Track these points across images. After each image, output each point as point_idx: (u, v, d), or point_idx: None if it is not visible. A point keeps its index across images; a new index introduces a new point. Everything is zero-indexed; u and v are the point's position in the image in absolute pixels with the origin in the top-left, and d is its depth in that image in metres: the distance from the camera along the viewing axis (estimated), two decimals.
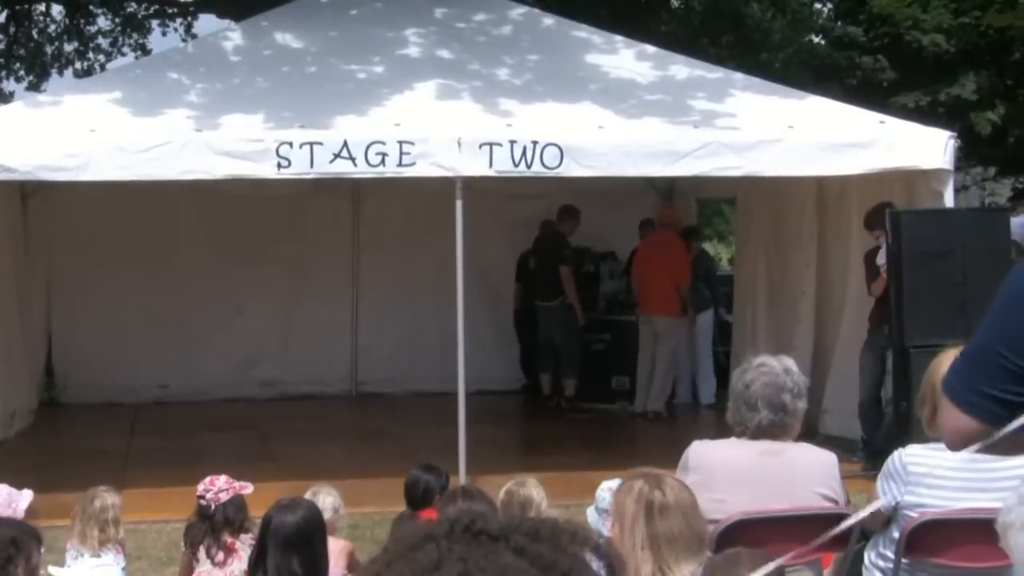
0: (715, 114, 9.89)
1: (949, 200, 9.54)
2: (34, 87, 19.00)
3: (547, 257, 12.64)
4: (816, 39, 19.46)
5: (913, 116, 13.35)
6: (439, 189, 9.58)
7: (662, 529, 3.61)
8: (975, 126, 17.78)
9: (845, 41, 18.83)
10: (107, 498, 5.75)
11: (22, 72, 19.54)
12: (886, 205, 9.93)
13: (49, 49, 19.89)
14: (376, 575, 1.32)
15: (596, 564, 1.39)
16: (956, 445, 2.49)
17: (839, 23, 19.05)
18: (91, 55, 20.07)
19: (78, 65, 19.75)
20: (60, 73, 19.83)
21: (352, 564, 5.58)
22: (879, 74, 18.37)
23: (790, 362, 4.55)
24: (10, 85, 19.66)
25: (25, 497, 5.39)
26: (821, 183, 10.96)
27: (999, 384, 2.40)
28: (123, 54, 20.16)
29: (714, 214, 23.94)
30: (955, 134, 9.76)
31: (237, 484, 5.53)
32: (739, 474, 4.35)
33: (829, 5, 20.57)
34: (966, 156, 19.59)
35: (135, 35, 20.29)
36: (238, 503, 5.47)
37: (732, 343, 12.60)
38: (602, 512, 5.33)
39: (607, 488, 5.43)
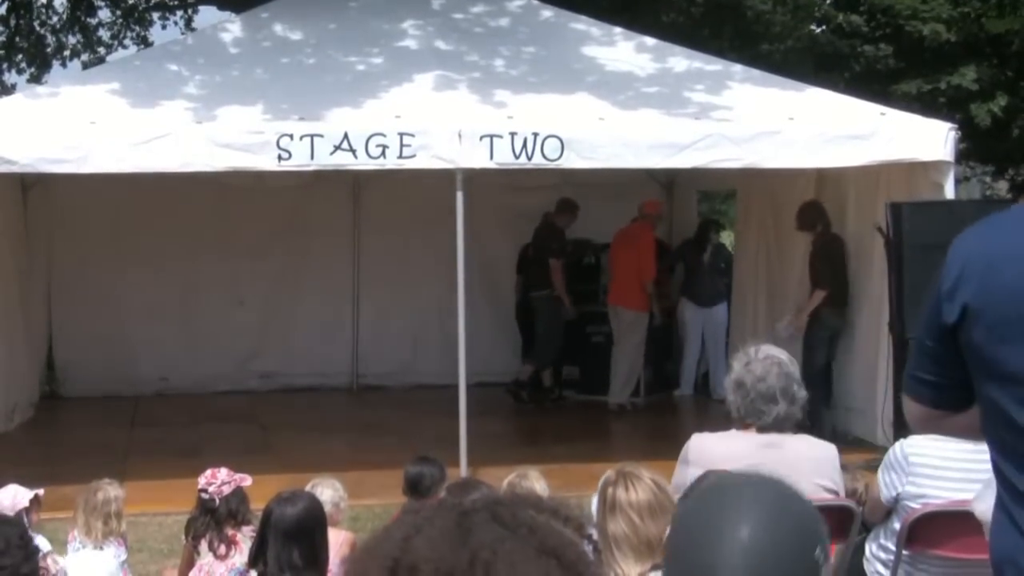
0: (715, 106, 9.89)
1: (950, 192, 9.54)
2: (36, 79, 18.95)
3: (540, 249, 12.67)
4: (817, 29, 19.40)
5: (915, 104, 13.36)
6: (440, 181, 9.58)
7: (611, 527, 3.65)
8: (975, 118, 17.75)
9: (847, 30, 18.80)
10: (110, 491, 5.76)
11: (23, 64, 19.50)
12: (814, 204, 10.73)
13: (51, 41, 19.84)
14: (363, 545, 1.42)
15: (586, 545, 1.43)
16: (915, 428, 2.71)
17: (841, 15, 19.01)
18: (94, 47, 20.02)
19: (84, 57, 19.69)
20: (64, 65, 19.80)
21: None
22: (882, 61, 18.35)
23: (785, 352, 4.56)
24: (12, 77, 19.64)
25: (28, 494, 5.43)
26: (820, 175, 10.95)
27: (923, 367, 2.55)
28: (125, 47, 20.15)
29: (717, 205, 23.95)
30: (955, 126, 9.76)
31: (237, 476, 5.54)
32: (740, 467, 4.33)
33: None
34: (966, 150, 19.57)
35: (136, 27, 20.26)
36: (240, 496, 5.48)
37: (730, 334, 12.62)
38: None
39: None
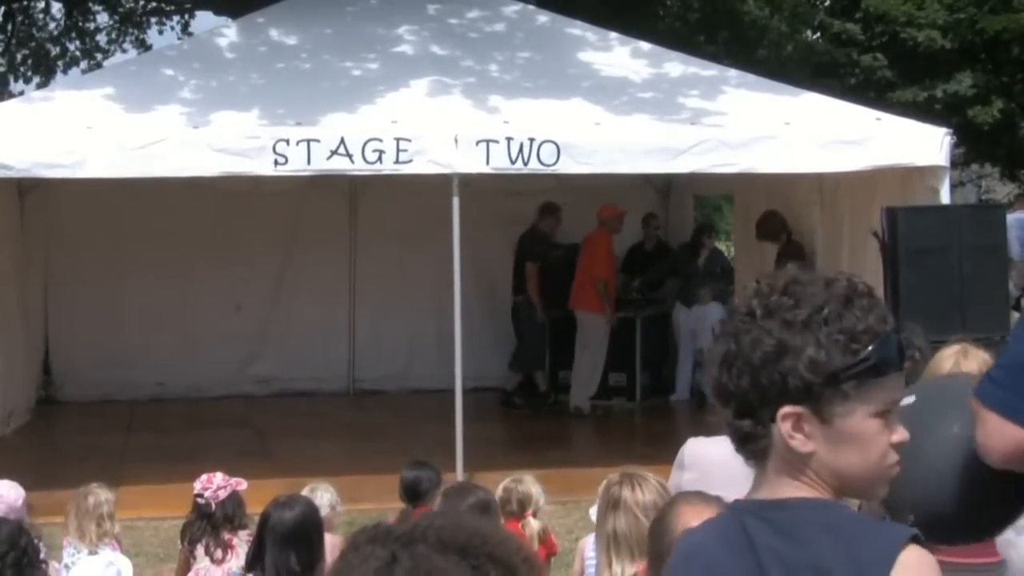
0: (711, 111, 9.90)
1: (945, 197, 9.55)
2: (42, 87, 18.89)
3: (519, 254, 12.68)
4: (814, 36, 19.39)
5: (911, 111, 13.38)
6: (436, 186, 9.58)
7: (612, 524, 3.65)
8: (975, 118, 17.77)
9: (843, 38, 18.81)
10: (100, 494, 5.77)
11: (29, 73, 19.46)
12: (773, 214, 11.20)
13: (52, 48, 19.82)
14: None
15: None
16: (1013, 462, 2.33)
17: (837, 22, 19.01)
18: (92, 52, 20.02)
19: (84, 65, 19.68)
20: (65, 71, 19.78)
21: None
22: (878, 72, 18.37)
23: None
24: (18, 87, 19.58)
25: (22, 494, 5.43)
26: (821, 180, 10.97)
27: None
28: (124, 51, 20.13)
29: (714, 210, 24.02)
30: (951, 131, 9.77)
31: (232, 480, 5.54)
32: (735, 471, 4.31)
33: (826, 2, 20.55)
34: (965, 153, 19.58)
35: (134, 31, 20.24)
36: (236, 500, 5.48)
37: None
38: None
39: None
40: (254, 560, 4.61)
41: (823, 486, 1.89)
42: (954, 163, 10.15)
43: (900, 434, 1.89)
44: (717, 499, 3.15)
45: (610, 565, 3.60)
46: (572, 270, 12.92)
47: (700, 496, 3.23)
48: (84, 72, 19.24)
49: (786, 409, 1.84)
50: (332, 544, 5.16)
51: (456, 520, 1.51)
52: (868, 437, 1.86)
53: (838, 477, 1.88)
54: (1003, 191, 24.51)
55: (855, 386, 1.83)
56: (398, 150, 8.94)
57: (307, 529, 4.59)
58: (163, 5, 19.99)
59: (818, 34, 19.46)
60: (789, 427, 1.84)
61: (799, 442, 1.85)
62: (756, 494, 1.94)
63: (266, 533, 4.55)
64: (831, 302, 1.84)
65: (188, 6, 19.57)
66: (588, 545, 5.40)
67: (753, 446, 1.91)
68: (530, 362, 12.85)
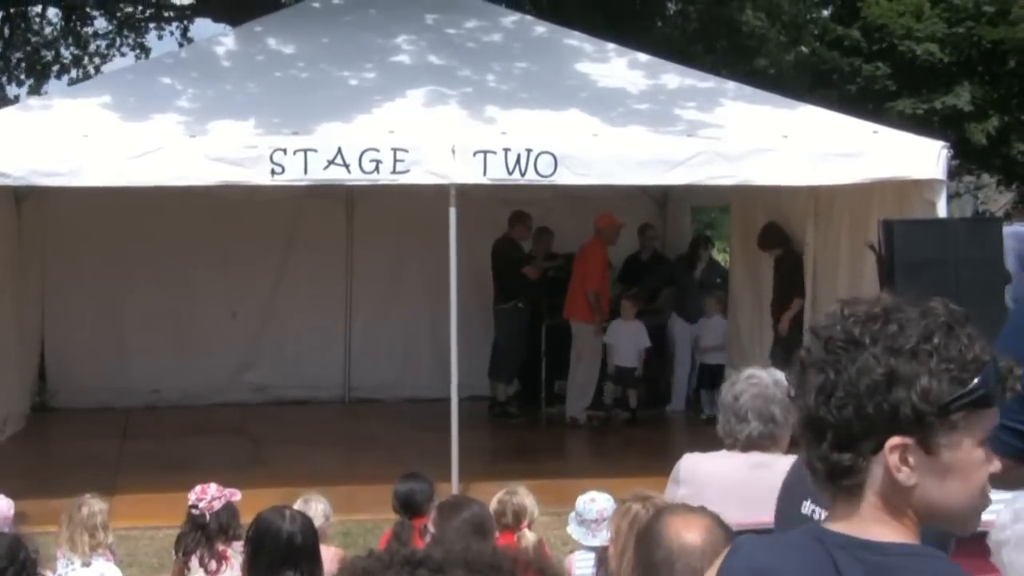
0: (708, 123, 9.91)
1: (942, 210, 9.56)
2: (35, 91, 18.90)
3: (502, 264, 12.64)
4: (815, 43, 19.36)
5: (909, 124, 13.42)
6: (433, 196, 9.58)
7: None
8: (971, 136, 17.82)
9: (845, 44, 18.81)
10: (94, 504, 5.77)
11: (22, 76, 19.45)
12: (774, 226, 11.53)
13: (48, 53, 19.81)
14: None
15: None
16: None
17: (840, 28, 19.03)
18: (87, 60, 20.00)
19: (74, 73, 19.68)
20: (59, 77, 19.76)
21: None
22: (879, 81, 18.40)
23: (779, 374, 4.53)
24: (12, 90, 19.57)
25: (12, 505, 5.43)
26: (817, 192, 10.98)
27: (1016, 416, 2.36)
28: (122, 54, 20.13)
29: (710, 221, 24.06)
30: (948, 144, 9.78)
31: (227, 491, 5.53)
32: (730, 487, 4.33)
33: (825, 12, 20.57)
34: (961, 165, 19.60)
35: (131, 35, 20.24)
36: (231, 511, 5.47)
37: (728, 352, 12.63)
38: (589, 523, 5.34)
39: (589, 499, 5.45)
40: (250, 572, 4.58)
41: (913, 522, 1.85)
42: (951, 174, 10.15)
43: (995, 464, 1.86)
44: (702, 509, 3.19)
45: None
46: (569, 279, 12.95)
47: (686, 507, 3.27)
48: (73, 81, 19.20)
49: (895, 440, 1.80)
50: (326, 555, 5.15)
51: (480, 547, 1.46)
52: (972, 468, 1.83)
53: (937, 510, 1.85)
54: (1001, 201, 24.57)
55: (964, 416, 1.80)
56: (395, 160, 8.95)
57: (303, 541, 4.56)
58: (162, 11, 19.99)
59: (818, 43, 19.44)
60: (896, 459, 1.81)
61: (905, 475, 1.81)
62: (843, 529, 1.87)
63: (261, 545, 4.52)
64: (937, 330, 1.82)
65: (188, 13, 19.58)
66: (574, 562, 5.41)
67: (850, 481, 1.85)
68: (514, 369, 12.83)
